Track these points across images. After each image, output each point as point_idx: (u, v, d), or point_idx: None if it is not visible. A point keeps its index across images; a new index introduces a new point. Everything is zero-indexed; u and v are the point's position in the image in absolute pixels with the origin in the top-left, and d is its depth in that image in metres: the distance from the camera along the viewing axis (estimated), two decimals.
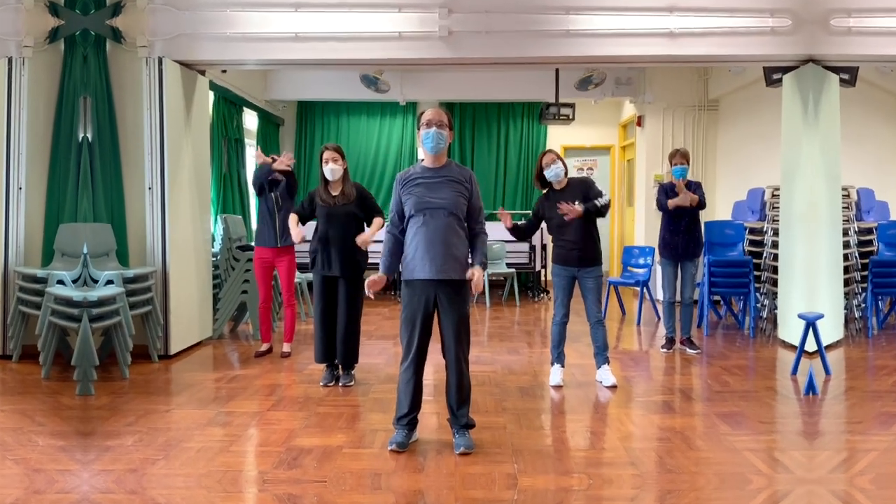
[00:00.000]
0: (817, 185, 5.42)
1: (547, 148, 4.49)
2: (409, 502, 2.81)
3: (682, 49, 5.29)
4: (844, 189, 5.57)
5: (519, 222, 4.63)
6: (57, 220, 5.02)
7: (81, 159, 4.95)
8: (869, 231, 6.56)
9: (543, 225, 4.64)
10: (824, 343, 4.90)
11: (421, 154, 3.57)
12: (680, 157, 5.35)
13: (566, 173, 4.45)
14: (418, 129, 3.33)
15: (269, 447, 3.40)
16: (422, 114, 3.34)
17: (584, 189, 4.42)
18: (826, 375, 4.66)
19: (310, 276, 7.10)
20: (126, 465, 3.13)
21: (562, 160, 4.43)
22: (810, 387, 4.23)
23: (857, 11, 5.21)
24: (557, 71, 8.13)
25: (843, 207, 5.82)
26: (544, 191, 4.55)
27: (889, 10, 5.21)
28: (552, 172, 4.39)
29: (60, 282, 4.57)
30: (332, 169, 4.32)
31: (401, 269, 3.35)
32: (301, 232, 4.53)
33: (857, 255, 6.36)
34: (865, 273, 6.23)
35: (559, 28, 5.24)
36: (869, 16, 5.21)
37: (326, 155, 4.35)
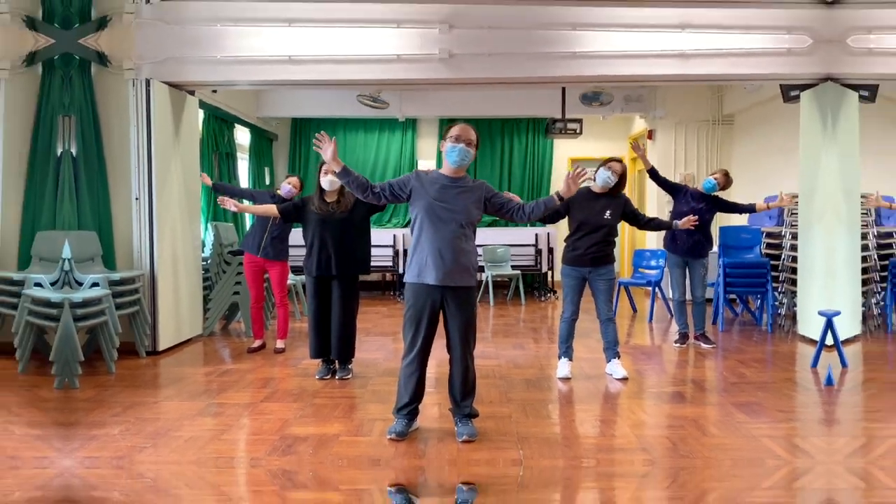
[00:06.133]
0: (836, 196, 5.54)
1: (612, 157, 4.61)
2: (409, 478, 2.82)
3: (695, 69, 5.40)
4: (864, 196, 5.65)
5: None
6: (33, 229, 5.27)
7: (62, 172, 5.28)
8: (889, 235, 6.71)
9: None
10: (842, 338, 4.94)
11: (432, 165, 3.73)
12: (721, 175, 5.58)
13: (617, 187, 4.55)
14: (444, 140, 3.44)
15: (263, 435, 3.41)
16: (450, 127, 3.46)
17: (622, 205, 4.57)
18: (843, 367, 4.74)
19: (303, 277, 7.32)
20: (112, 453, 3.14)
21: (623, 177, 4.53)
22: (830, 378, 4.32)
23: (877, 29, 5.25)
24: (564, 89, 8.37)
25: (863, 213, 5.94)
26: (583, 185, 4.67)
27: None
28: (603, 176, 4.52)
29: (38, 284, 4.80)
30: (330, 180, 4.53)
31: (406, 270, 3.46)
32: (233, 204, 4.90)
33: (876, 256, 6.51)
34: (884, 274, 6.43)
35: (566, 50, 5.33)
36: (890, 33, 5.26)
37: (326, 167, 4.49)
